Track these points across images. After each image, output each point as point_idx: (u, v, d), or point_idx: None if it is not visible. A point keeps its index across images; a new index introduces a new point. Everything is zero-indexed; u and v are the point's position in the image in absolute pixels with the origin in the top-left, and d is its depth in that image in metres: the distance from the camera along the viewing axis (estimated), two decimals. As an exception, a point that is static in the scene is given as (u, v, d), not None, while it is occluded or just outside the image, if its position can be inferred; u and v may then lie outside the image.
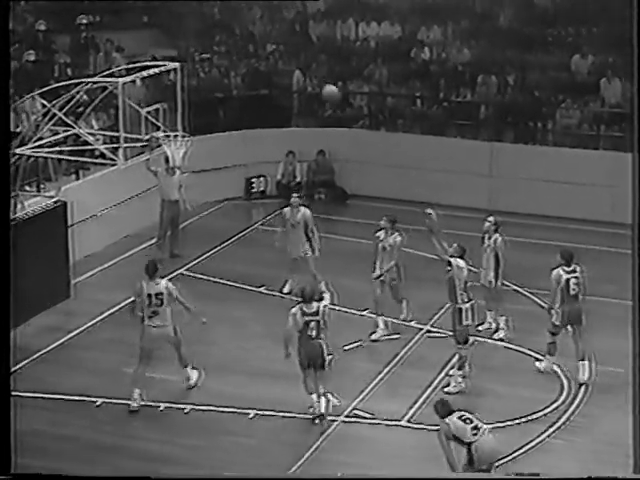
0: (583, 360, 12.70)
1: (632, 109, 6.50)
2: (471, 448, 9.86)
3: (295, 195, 15.79)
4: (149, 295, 12.06)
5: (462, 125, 20.25)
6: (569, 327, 12.82)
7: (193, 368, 12.68)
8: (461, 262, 12.59)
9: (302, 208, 15.51)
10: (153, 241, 16.95)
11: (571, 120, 19.65)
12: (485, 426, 10.00)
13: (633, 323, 6.60)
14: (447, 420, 9.97)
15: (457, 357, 12.65)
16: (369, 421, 11.91)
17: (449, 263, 12.51)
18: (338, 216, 19.35)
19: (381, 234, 14.05)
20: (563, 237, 17.74)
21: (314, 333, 11.68)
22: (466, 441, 9.86)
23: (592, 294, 15.18)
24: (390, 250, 13.95)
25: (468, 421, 9.93)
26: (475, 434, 9.86)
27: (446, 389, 12.48)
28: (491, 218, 14.14)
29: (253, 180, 19.94)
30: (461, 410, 10.07)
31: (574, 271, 12.86)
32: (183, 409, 12.09)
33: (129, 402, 12.05)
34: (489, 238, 14.03)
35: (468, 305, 12.50)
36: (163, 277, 12.57)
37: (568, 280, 12.79)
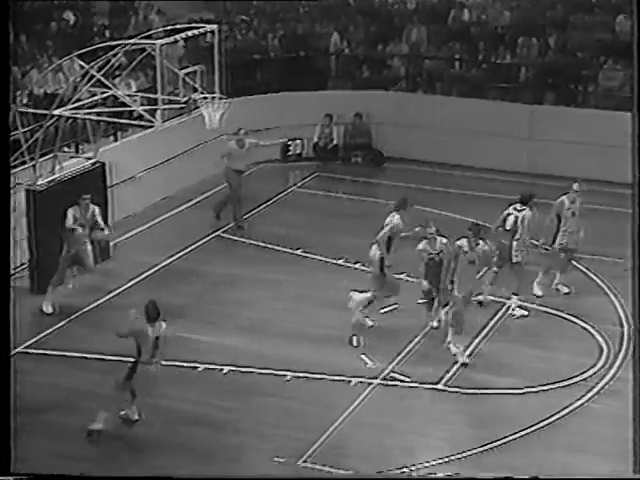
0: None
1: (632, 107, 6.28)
2: (137, 365, 10.41)
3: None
4: None
5: (501, 88, 19.89)
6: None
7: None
8: None
9: None
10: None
11: (613, 82, 19.21)
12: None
13: (634, 324, 6.43)
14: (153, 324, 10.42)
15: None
16: (405, 384, 11.79)
17: None
18: (375, 179, 19.19)
19: (463, 243, 12.23)
20: (605, 201, 17.43)
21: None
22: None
23: (621, 256, 14.95)
24: (479, 262, 12.42)
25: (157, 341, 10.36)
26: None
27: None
28: (576, 185, 13.96)
29: (290, 143, 19.77)
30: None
31: (520, 211, 13.39)
32: (220, 370, 12.04)
33: None
34: (572, 202, 13.96)
35: None
36: None
37: (508, 215, 13.44)
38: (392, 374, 11.98)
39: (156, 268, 14.89)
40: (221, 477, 8.99)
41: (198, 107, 14.30)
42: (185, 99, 13.76)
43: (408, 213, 13.04)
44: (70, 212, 13.45)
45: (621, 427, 10.83)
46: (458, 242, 12.24)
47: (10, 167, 6.77)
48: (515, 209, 13.45)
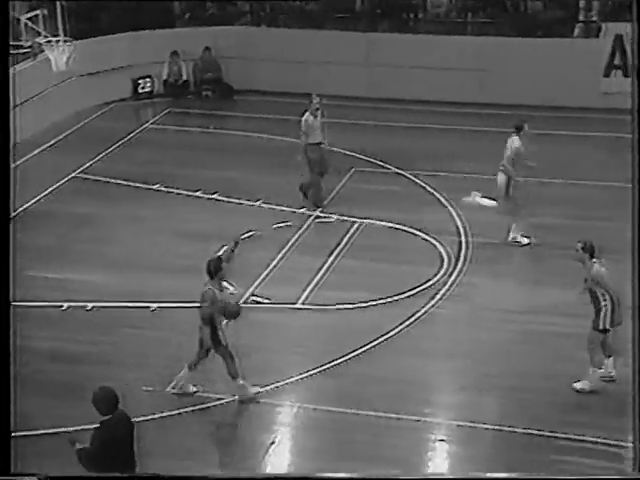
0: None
1: (632, 108, 6.16)
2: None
3: None
4: None
5: (339, 18, 19.74)
6: None
7: None
8: None
9: None
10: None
11: (440, 9, 19.46)
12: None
13: (633, 318, 6.52)
14: (212, 287, 9.59)
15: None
16: (266, 306, 11.70)
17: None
18: (226, 111, 18.81)
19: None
20: (437, 120, 17.66)
21: None
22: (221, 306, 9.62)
23: (476, 172, 15.24)
24: (591, 284, 9.63)
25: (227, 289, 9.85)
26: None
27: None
28: None
29: (140, 81, 19.07)
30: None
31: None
32: (84, 307, 11.63)
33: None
34: None
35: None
36: None
37: None
38: (253, 297, 11.85)
39: (17, 212, 14.19)
40: (223, 477, 8.67)
41: (43, 51, 13.60)
42: (29, 44, 13.05)
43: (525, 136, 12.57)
44: None
45: (464, 329, 11.13)
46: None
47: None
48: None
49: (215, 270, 9.66)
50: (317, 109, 13.94)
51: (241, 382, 9.78)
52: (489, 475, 8.61)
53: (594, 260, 9.57)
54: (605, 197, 14.26)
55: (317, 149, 13.98)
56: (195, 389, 9.94)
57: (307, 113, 13.95)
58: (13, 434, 8.57)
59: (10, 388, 5.87)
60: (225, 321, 9.79)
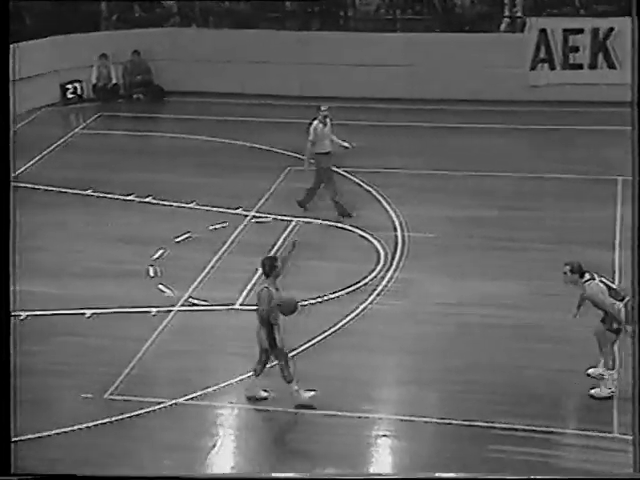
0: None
1: (632, 106, 6.17)
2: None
3: None
4: None
5: (270, 18, 19.69)
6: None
7: None
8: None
9: None
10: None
11: (369, 7, 19.60)
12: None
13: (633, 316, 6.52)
14: (269, 286, 9.44)
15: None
16: (205, 308, 11.61)
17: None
18: (157, 114, 18.70)
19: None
20: (369, 116, 17.77)
21: None
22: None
23: (409, 167, 15.35)
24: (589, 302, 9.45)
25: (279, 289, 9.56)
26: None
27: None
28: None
29: (68, 86, 18.77)
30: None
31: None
32: (18, 316, 11.40)
33: None
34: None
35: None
36: None
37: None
38: (191, 299, 11.74)
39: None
40: (221, 477, 8.45)
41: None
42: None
43: None
44: None
45: (403, 324, 11.18)
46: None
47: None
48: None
49: (270, 269, 9.48)
50: (326, 117, 13.45)
51: (295, 387, 9.56)
52: (490, 475, 8.59)
53: (586, 278, 9.30)
54: (534, 188, 14.51)
55: (326, 159, 13.59)
56: (265, 394, 9.72)
57: (316, 121, 13.46)
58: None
59: (10, 386, 5.71)
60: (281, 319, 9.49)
